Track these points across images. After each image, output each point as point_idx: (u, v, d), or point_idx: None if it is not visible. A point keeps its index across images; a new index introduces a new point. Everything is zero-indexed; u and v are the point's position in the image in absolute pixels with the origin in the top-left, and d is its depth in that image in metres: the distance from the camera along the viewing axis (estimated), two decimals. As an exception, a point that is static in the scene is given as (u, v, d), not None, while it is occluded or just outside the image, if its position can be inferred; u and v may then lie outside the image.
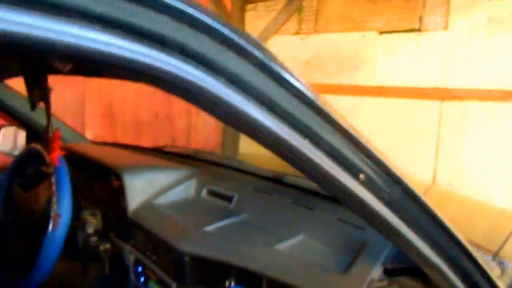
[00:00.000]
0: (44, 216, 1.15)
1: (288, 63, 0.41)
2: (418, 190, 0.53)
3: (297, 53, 4.13)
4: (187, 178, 1.24)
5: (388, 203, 0.50)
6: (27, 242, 1.36)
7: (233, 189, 1.16)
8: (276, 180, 1.17)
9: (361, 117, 3.68)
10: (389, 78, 3.73)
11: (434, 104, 3.48)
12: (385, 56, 3.77)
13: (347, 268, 0.78)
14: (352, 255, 0.82)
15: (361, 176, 0.46)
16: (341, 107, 0.57)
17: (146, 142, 3.08)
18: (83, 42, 0.30)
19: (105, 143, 1.76)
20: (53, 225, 0.93)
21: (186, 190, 1.22)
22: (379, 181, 0.48)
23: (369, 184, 0.47)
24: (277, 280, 0.84)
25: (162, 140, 3.18)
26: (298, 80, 0.41)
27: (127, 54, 0.31)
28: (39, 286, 1.10)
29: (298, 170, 0.46)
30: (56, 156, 0.85)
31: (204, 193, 1.21)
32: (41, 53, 0.39)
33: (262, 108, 0.40)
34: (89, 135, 2.63)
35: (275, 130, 0.41)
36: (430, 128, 3.51)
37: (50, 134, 0.81)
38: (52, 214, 0.94)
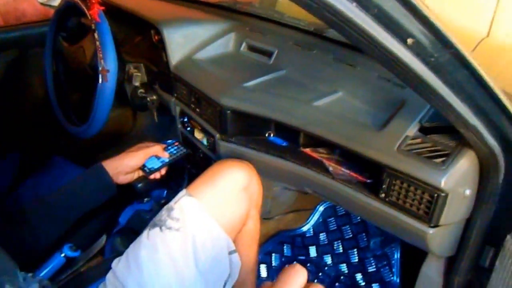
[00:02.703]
0: (93, 69, 1.21)
1: None
2: (468, 53, 0.51)
3: None
4: (226, 32, 1.22)
5: (434, 68, 0.49)
6: (81, 92, 1.47)
7: (273, 44, 1.13)
8: (317, 35, 1.12)
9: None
10: None
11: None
12: None
13: (383, 124, 0.81)
14: (390, 113, 0.83)
15: (409, 40, 0.44)
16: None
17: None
18: None
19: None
20: (103, 79, 0.98)
21: (225, 44, 1.21)
22: (428, 45, 0.46)
23: (416, 49, 0.45)
24: (313, 134, 0.89)
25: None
26: None
27: None
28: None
29: (341, 35, 0.45)
30: (95, 12, 0.84)
31: (243, 47, 1.19)
32: None
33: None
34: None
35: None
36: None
37: (87, -11, 0.80)
38: (100, 69, 0.98)
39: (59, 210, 0.90)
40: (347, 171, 0.89)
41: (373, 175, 0.84)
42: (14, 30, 1.57)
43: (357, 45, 0.48)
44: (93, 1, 0.81)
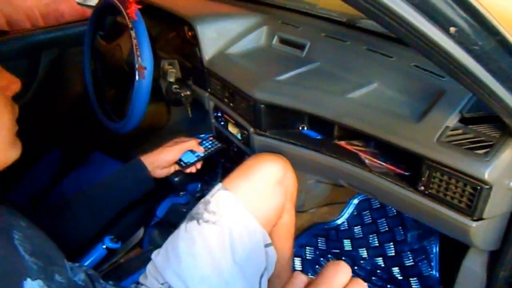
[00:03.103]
0: (129, 66, 1.24)
1: None
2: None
3: None
4: (258, 26, 1.22)
5: (478, 56, 0.47)
6: (118, 89, 1.51)
7: (305, 36, 1.12)
8: (350, 25, 1.10)
9: None
10: None
11: None
12: None
13: (422, 115, 0.79)
14: (428, 103, 0.81)
15: (452, 29, 0.43)
16: None
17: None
18: None
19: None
20: (140, 76, 1.01)
21: (257, 38, 1.21)
22: (471, 34, 0.44)
23: (460, 38, 0.44)
24: (348, 126, 0.88)
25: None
26: None
27: None
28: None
29: (381, 26, 0.44)
30: (133, 11, 0.86)
31: (275, 41, 1.19)
32: None
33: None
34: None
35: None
36: None
37: (124, -12, 0.82)
38: (137, 66, 1.01)
39: (101, 203, 0.94)
40: (384, 164, 0.88)
41: (411, 167, 0.83)
42: (54, 31, 1.64)
43: (397, 35, 0.47)
44: (130, 0, 0.83)
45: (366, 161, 0.90)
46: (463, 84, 0.56)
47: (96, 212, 0.93)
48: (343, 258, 1.46)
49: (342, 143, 0.97)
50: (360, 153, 0.92)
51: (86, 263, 0.98)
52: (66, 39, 1.62)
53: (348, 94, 0.91)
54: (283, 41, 1.18)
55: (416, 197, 0.78)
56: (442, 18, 0.42)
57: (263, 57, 1.16)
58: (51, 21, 2.26)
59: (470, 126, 0.74)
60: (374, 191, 0.90)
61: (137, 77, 1.05)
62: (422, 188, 0.77)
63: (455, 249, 0.96)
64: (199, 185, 1.49)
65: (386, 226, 1.50)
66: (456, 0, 0.41)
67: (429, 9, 0.41)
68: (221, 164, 1.45)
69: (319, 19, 1.18)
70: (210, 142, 1.17)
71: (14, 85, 0.56)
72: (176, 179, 1.10)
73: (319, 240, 1.53)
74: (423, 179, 0.76)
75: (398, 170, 0.85)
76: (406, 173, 0.84)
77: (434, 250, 1.33)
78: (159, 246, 0.94)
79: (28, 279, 0.53)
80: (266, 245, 0.92)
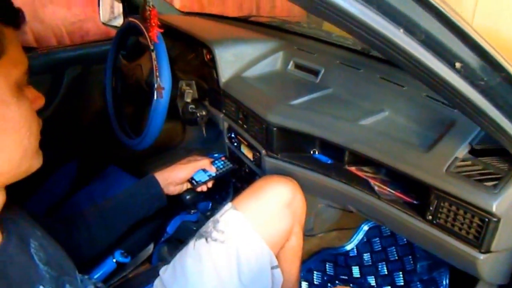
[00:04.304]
0: (148, 86, 1.29)
1: None
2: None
3: None
4: (274, 51, 1.25)
5: (483, 91, 0.49)
6: (136, 106, 1.56)
7: (320, 63, 1.15)
8: (364, 53, 1.13)
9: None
10: None
11: None
12: None
13: (432, 145, 0.80)
14: (438, 133, 0.82)
15: (458, 64, 0.44)
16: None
17: (231, 9, 3.03)
18: None
19: (193, 13, 1.79)
20: (158, 95, 1.05)
21: (273, 63, 1.25)
22: (477, 69, 0.46)
23: (465, 73, 0.45)
24: (359, 152, 0.89)
25: (246, 8, 3.09)
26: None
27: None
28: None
29: (390, 60, 0.46)
30: (155, 34, 0.90)
31: (290, 66, 1.22)
32: None
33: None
34: (176, 4, 2.65)
35: (366, 20, 0.40)
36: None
37: (148, 12, 0.86)
38: (156, 86, 1.04)
39: (114, 217, 0.96)
40: (393, 191, 0.88)
41: (420, 196, 0.83)
42: (79, 48, 1.70)
43: (404, 68, 0.49)
44: (153, 23, 0.87)
45: (376, 187, 0.90)
46: (470, 118, 0.57)
47: (109, 226, 0.96)
48: (351, 285, 1.44)
49: (352, 168, 0.98)
50: (370, 180, 0.93)
51: (95, 276, 1.00)
52: (89, 57, 1.69)
53: (360, 120, 0.93)
54: (298, 67, 1.21)
55: (424, 226, 0.79)
56: (447, 54, 0.44)
57: (278, 81, 1.19)
58: (76, 39, 2.36)
59: (479, 158, 0.74)
60: (382, 218, 0.90)
61: (155, 97, 1.09)
62: (430, 217, 0.77)
63: (465, 282, 0.94)
64: (210, 204, 1.50)
65: (396, 255, 1.48)
66: (461, 37, 0.43)
67: (435, 45, 0.43)
68: (232, 183, 1.47)
69: (334, 47, 1.21)
70: (222, 162, 1.19)
71: (39, 100, 0.60)
72: (188, 197, 1.12)
73: (327, 265, 1.52)
74: (431, 208, 0.76)
75: (407, 199, 0.86)
76: (415, 202, 0.84)
77: (444, 282, 1.30)
78: (168, 262, 0.95)
79: (41, 287, 0.55)
80: (273, 267, 0.93)
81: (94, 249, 0.96)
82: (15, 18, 0.53)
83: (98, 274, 1.01)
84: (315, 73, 1.15)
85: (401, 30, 0.40)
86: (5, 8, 0.52)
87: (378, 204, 0.88)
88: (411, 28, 0.40)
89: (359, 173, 0.97)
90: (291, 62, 1.22)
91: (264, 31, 1.41)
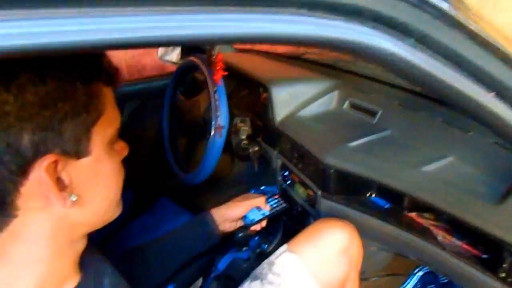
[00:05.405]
0: (205, 122, 1.33)
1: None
2: None
3: None
4: (330, 90, 1.26)
5: None
6: (191, 142, 1.60)
7: (377, 103, 1.14)
8: (424, 95, 1.11)
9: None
10: None
11: None
12: None
13: (503, 197, 0.76)
14: (509, 184, 0.78)
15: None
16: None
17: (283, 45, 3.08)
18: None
19: (247, 50, 1.85)
20: (218, 134, 1.07)
21: (328, 102, 1.25)
22: None
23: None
24: (422, 200, 0.86)
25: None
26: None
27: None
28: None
29: (457, 110, 0.45)
30: (219, 77, 0.94)
31: (346, 105, 1.22)
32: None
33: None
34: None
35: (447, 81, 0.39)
36: None
37: (214, 57, 0.90)
38: (215, 125, 1.08)
39: (172, 252, 0.98)
40: (459, 242, 0.84)
41: (490, 248, 0.78)
42: (137, 84, 1.80)
43: (474, 119, 0.47)
44: (218, 67, 0.91)
45: (439, 237, 0.86)
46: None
47: (166, 261, 0.97)
48: (404, 334, 1.37)
49: (413, 214, 0.95)
50: (432, 228, 0.89)
51: (149, 310, 1.01)
52: (147, 92, 1.77)
53: (422, 166, 0.90)
54: (354, 106, 1.20)
55: (496, 284, 0.74)
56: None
57: (333, 121, 1.18)
58: (133, 73, 2.48)
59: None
60: (447, 270, 0.86)
61: (213, 133, 1.12)
62: (504, 275, 0.72)
63: None
64: (257, 238, 1.50)
65: (454, 304, 1.39)
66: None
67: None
68: (282, 221, 1.46)
69: (392, 87, 1.20)
70: (276, 201, 1.19)
71: (125, 150, 0.63)
72: (241, 234, 1.12)
73: (379, 311, 1.45)
74: (504, 265, 0.72)
75: (475, 251, 0.81)
76: (484, 256, 0.79)
77: None
78: (216, 299, 0.95)
79: None
80: (328, 314, 0.90)
81: (150, 284, 0.97)
82: (115, 78, 0.56)
83: (152, 308, 1.02)
84: (372, 113, 1.13)
85: (493, 94, 0.39)
86: (106, 68, 0.54)
87: (442, 255, 0.83)
88: (503, 93, 0.39)
89: (420, 220, 0.93)
90: (347, 102, 1.22)
91: (318, 69, 1.42)
